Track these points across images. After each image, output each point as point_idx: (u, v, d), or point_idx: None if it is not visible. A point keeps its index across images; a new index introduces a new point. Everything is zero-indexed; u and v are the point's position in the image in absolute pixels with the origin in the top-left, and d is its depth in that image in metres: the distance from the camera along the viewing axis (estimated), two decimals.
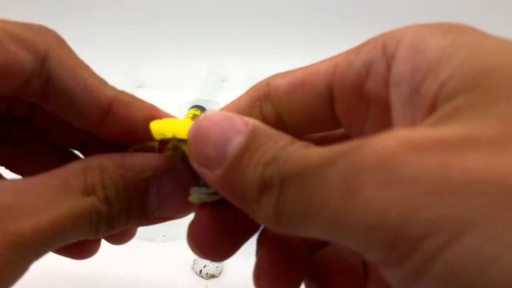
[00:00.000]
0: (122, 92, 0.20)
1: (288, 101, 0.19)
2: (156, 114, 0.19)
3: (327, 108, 0.18)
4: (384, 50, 0.16)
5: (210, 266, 0.35)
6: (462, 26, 0.15)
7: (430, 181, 0.10)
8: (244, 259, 0.36)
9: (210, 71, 0.84)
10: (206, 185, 0.18)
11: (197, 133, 0.16)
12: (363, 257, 0.12)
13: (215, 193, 0.18)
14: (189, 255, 0.36)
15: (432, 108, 0.13)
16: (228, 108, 0.20)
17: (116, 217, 0.18)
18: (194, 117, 0.59)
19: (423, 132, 0.11)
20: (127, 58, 0.90)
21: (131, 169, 0.18)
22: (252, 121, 0.16)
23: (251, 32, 0.92)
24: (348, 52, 0.17)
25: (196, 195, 0.18)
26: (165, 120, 0.19)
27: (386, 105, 0.16)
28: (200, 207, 0.19)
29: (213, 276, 0.34)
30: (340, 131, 0.20)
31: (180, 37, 0.93)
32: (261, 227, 0.20)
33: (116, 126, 0.19)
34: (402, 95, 0.15)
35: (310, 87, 0.18)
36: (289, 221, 0.14)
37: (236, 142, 0.15)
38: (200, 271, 0.34)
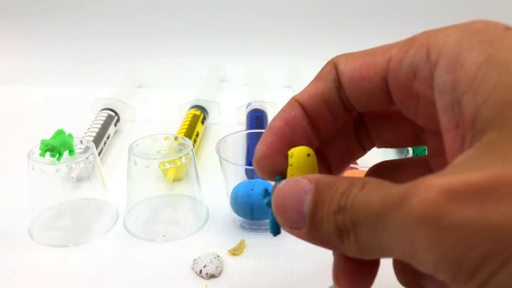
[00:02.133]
0: None
1: (351, 89, 0.21)
2: None
3: (385, 95, 0.21)
4: (427, 56, 0.18)
5: (210, 266, 0.35)
6: (501, 32, 0.17)
7: (472, 225, 0.13)
8: (243, 259, 0.36)
9: (210, 71, 0.84)
10: None
11: (278, 206, 0.20)
12: (437, 277, 0.15)
13: None
14: (189, 255, 0.36)
15: (473, 124, 0.16)
16: (308, 94, 0.22)
17: None
18: (195, 117, 0.59)
19: (457, 179, 0.14)
20: (127, 58, 0.90)
21: None
22: (314, 177, 0.19)
23: (251, 32, 0.92)
24: (399, 47, 0.20)
25: None
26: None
27: (432, 103, 0.18)
28: None
29: (213, 276, 0.34)
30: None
31: (180, 37, 0.93)
32: None
33: None
34: (446, 104, 0.17)
35: (367, 81, 0.20)
36: (372, 252, 0.17)
37: (307, 200, 0.19)
38: (200, 271, 0.34)
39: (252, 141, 0.49)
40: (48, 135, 0.39)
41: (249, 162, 0.47)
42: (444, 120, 0.18)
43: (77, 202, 0.44)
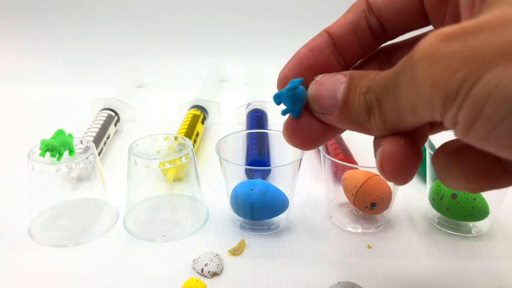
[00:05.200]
0: None
1: (388, 10, 0.24)
2: None
3: (419, 9, 0.23)
4: None
5: (211, 264, 0.35)
6: None
7: (456, 56, 0.16)
8: (243, 259, 0.36)
9: (210, 71, 0.84)
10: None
11: (314, 94, 0.23)
12: (437, 118, 0.17)
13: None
14: (189, 255, 0.36)
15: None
16: (338, 23, 0.24)
17: None
18: (195, 117, 0.59)
19: (451, 27, 0.16)
20: (127, 58, 0.90)
21: None
22: (348, 72, 0.22)
23: (251, 32, 0.92)
24: None
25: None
26: None
27: (458, 5, 0.21)
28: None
29: (215, 274, 0.34)
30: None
31: (180, 37, 0.93)
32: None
33: None
34: None
35: None
36: (392, 122, 0.20)
37: (342, 88, 0.21)
38: (202, 270, 0.34)
39: (252, 141, 0.49)
40: (48, 135, 0.39)
41: (249, 162, 0.47)
42: (463, 2, 0.20)
43: (77, 202, 0.44)
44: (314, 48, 0.24)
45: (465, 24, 0.16)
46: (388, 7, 0.23)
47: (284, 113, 0.24)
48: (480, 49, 0.15)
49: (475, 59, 0.15)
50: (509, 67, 0.15)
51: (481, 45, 0.15)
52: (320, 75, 0.23)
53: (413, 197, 0.45)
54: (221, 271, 0.35)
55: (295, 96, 0.23)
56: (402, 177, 0.21)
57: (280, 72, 0.25)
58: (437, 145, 0.41)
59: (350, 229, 0.40)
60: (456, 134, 0.17)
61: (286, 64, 0.25)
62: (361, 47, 0.25)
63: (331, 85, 0.22)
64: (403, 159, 0.21)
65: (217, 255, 0.36)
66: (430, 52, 0.16)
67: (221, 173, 0.40)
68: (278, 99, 0.23)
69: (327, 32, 0.24)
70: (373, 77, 0.20)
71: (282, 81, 0.25)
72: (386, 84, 0.19)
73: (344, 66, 0.25)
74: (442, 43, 0.16)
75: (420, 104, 0.17)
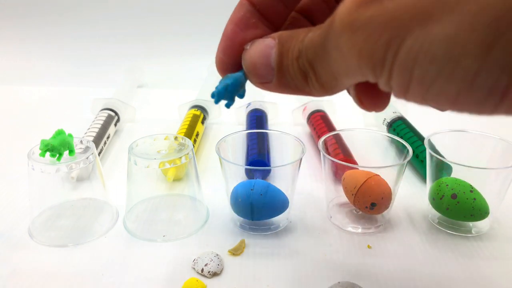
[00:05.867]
0: None
1: None
2: None
3: None
4: None
5: (211, 264, 0.35)
6: None
7: (375, 21, 0.15)
8: (243, 259, 0.36)
9: (210, 71, 0.84)
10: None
11: (248, 65, 0.22)
12: (370, 81, 0.17)
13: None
14: (189, 255, 0.36)
15: None
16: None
17: None
18: (195, 117, 0.59)
19: None
20: (127, 58, 0.90)
21: None
22: (277, 34, 0.21)
23: None
24: None
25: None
26: None
27: None
28: None
29: (215, 274, 0.34)
30: None
31: (180, 37, 0.93)
32: None
33: None
34: None
35: None
36: (330, 85, 0.20)
37: (273, 54, 0.21)
38: (202, 270, 0.34)
39: (252, 141, 0.49)
40: (48, 135, 0.39)
41: (249, 162, 0.47)
42: None
43: (77, 202, 0.44)
44: (239, 21, 0.23)
45: None
46: None
47: (229, 106, 0.24)
48: (396, 11, 0.15)
49: (393, 23, 0.15)
50: (426, 28, 0.14)
51: (396, 7, 0.15)
52: (249, 43, 0.22)
53: (413, 197, 0.45)
54: (221, 271, 0.35)
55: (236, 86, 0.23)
56: (379, 105, 0.22)
57: (215, 58, 0.24)
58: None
59: (350, 229, 0.40)
60: (395, 96, 0.17)
61: (218, 47, 0.24)
62: (285, 5, 0.24)
63: (262, 51, 0.21)
64: (377, 90, 0.21)
65: (217, 255, 0.36)
66: (350, 20, 0.16)
67: (221, 173, 0.40)
68: (218, 96, 0.23)
69: (247, 0, 0.23)
70: (302, 38, 0.20)
71: (220, 66, 0.24)
72: (316, 51, 0.19)
73: (274, 30, 0.24)
74: (360, 9, 0.16)
75: (352, 71, 0.17)
